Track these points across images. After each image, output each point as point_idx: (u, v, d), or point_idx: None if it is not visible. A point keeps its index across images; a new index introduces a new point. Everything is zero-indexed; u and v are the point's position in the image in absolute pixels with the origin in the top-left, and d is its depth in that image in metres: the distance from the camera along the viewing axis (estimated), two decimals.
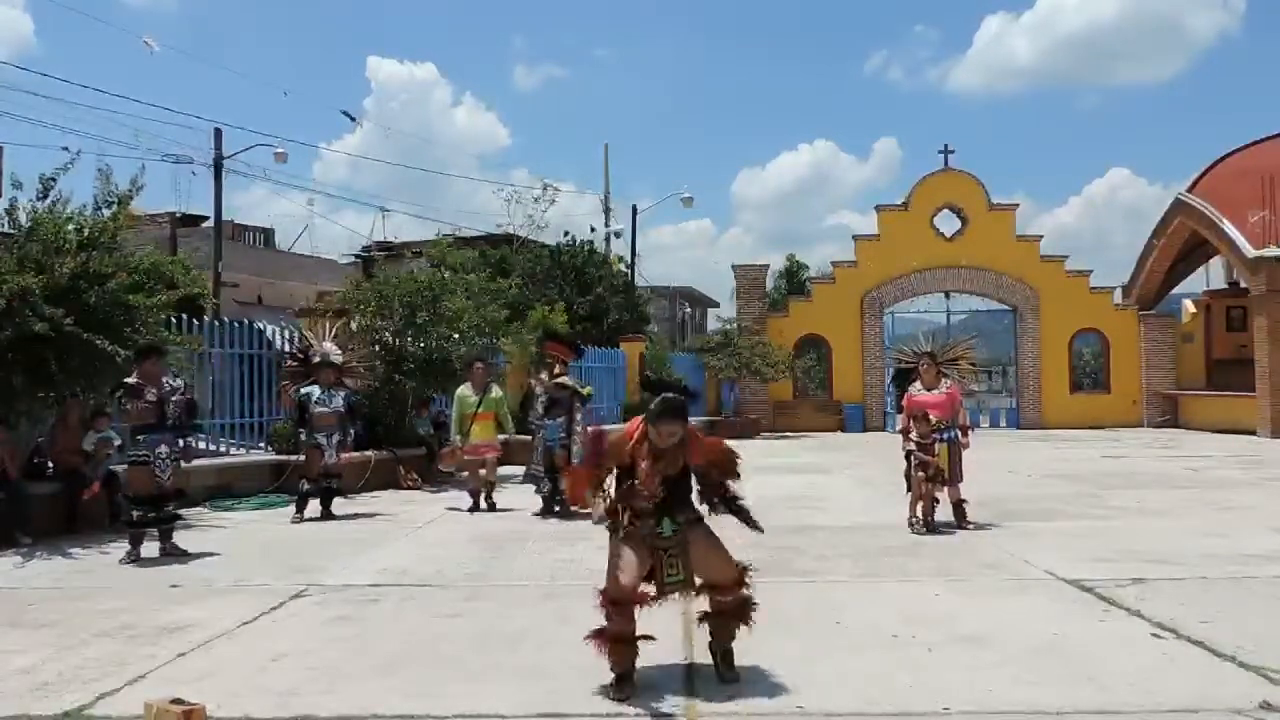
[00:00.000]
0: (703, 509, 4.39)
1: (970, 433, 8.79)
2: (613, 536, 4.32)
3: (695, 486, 4.39)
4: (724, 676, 4.23)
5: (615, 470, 4.33)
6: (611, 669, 4.11)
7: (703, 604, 4.38)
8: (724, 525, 4.47)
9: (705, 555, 4.27)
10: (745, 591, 4.33)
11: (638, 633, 4.14)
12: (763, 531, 4.54)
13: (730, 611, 4.29)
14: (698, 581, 4.30)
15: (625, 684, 4.06)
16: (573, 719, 3.85)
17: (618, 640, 4.09)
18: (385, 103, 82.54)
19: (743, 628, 4.32)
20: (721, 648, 4.31)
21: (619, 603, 4.10)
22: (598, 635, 4.14)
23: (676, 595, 4.31)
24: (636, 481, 4.20)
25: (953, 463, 8.44)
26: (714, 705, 3.96)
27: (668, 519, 4.23)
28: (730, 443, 4.58)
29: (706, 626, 4.36)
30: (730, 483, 4.42)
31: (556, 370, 9.78)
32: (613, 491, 4.36)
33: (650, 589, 4.23)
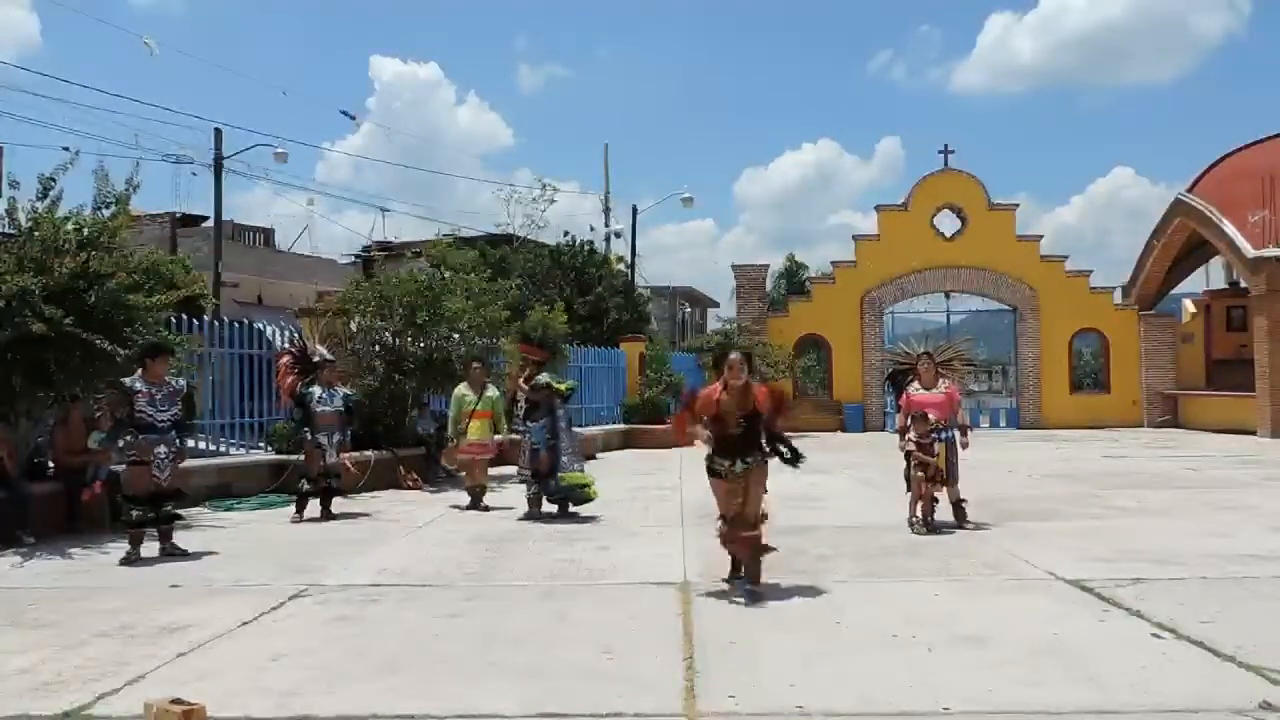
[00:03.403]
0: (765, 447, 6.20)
1: (969, 433, 8.76)
2: (710, 480, 6.22)
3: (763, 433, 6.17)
4: (750, 589, 5.93)
5: (705, 418, 6.12)
6: (732, 561, 6.23)
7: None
8: None
9: (749, 492, 6.08)
10: (760, 534, 6.04)
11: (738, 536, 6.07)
12: (803, 459, 6.26)
13: (753, 543, 6.02)
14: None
15: (736, 570, 6.16)
16: (572, 719, 3.85)
17: (727, 540, 6.14)
18: (389, 102, 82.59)
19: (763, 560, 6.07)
20: (748, 571, 6.06)
21: (726, 520, 6.12)
22: (722, 537, 6.18)
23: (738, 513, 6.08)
24: (727, 416, 6.02)
25: (949, 463, 8.43)
26: (714, 705, 3.97)
27: (739, 460, 6.06)
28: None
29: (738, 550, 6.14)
30: (781, 422, 6.29)
31: (528, 373, 9.76)
32: (704, 431, 6.16)
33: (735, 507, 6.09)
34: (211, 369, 12.33)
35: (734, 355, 6.20)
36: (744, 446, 6.09)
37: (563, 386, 9.74)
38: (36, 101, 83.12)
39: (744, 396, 6.08)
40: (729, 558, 6.26)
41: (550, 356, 10.32)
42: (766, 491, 6.23)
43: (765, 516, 6.19)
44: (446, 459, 11.39)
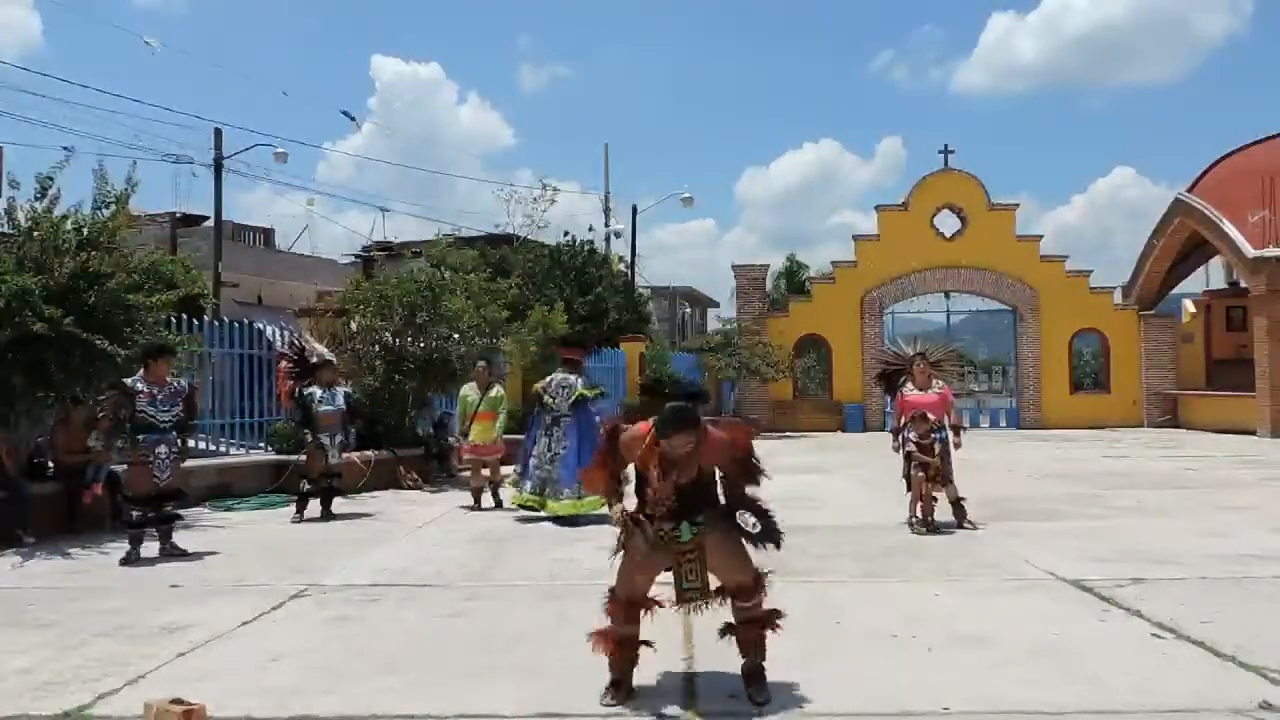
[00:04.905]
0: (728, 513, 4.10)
1: (961, 434, 8.72)
2: (627, 537, 4.09)
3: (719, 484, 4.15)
4: (753, 698, 3.94)
5: (632, 471, 4.10)
6: (610, 670, 4.05)
7: (726, 613, 4.16)
8: None
9: (720, 557, 4.03)
10: (764, 601, 4.11)
11: (641, 637, 4.11)
12: (779, 541, 4.07)
13: (751, 621, 4.07)
14: (714, 585, 4.10)
15: (620, 689, 3.99)
16: (571, 719, 3.85)
17: (621, 643, 4.03)
18: (390, 102, 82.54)
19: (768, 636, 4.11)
20: (750, 665, 4.07)
21: (629, 605, 4.07)
22: (602, 635, 4.09)
23: (694, 606, 4.05)
24: (649, 490, 3.98)
25: (943, 463, 8.43)
26: (713, 705, 3.97)
27: (686, 523, 3.97)
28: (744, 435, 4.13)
29: (734, 639, 4.13)
30: (749, 487, 4.07)
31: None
32: (630, 492, 4.16)
33: (663, 594, 4.14)
34: (212, 369, 12.33)
35: (679, 420, 3.81)
36: (691, 506, 3.99)
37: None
38: (37, 102, 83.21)
39: (690, 459, 3.92)
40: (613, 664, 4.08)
41: (583, 354, 10.02)
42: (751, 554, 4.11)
43: (765, 578, 4.13)
44: (456, 459, 11.52)
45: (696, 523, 3.98)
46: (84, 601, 5.97)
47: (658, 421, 3.88)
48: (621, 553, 4.15)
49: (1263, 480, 12.18)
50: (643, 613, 4.10)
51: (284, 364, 10.67)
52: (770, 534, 4.05)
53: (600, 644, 4.06)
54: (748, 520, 4.04)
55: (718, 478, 4.12)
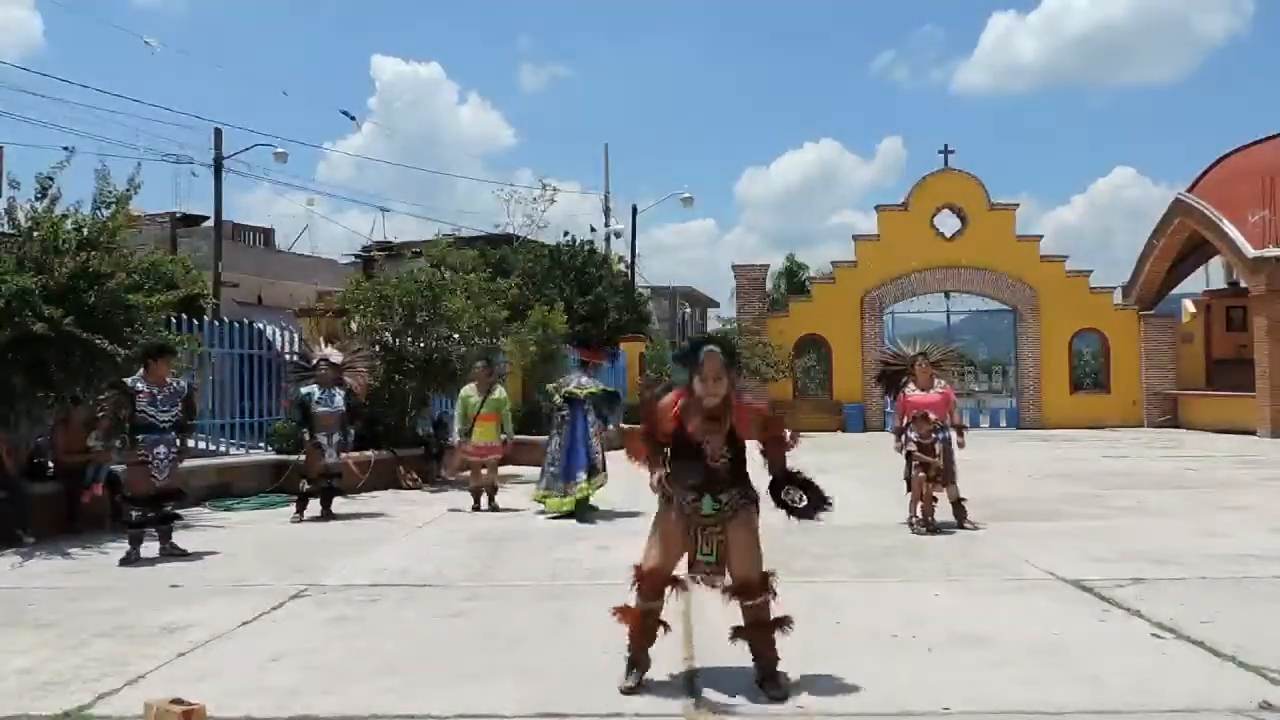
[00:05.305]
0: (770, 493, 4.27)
1: (964, 433, 8.72)
2: (658, 511, 4.29)
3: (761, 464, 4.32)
4: (771, 696, 4.00)
5: (670, 439, 4.22)
6: (629, 649, 4.21)
7: (735, 615, 4.26)
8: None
9: (735, 548, 4.14)
10: (771, 601, 4.18)
11: (662, 615, 4.25)
12: (828, 505, 4.31)
13: (760, 624, 4.16)
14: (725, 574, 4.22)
15: (636, 669, 4.17)
16: (571, 719, 3.85)
17: (644, 616, 4.21)
18: (390, 102, 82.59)
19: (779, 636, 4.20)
20: (764, 668, 4.14)
21: (653, 577, 4.21)
22: (624, 610, 4.28)
23: (704, 577, 4.21)
24: (705, 446, 4.10)
25: (946, 462, 8.43)
26: (713, 705, 3.96)
27: (709, 496, 4.11)
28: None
29: (745, 644, 4.22)
30: (782, 454, 4.31)
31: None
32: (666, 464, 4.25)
33: (682, 569, 4.28)
34: (212, 369, 12.34)
35: (710, 349, 4.10)
36: (718, 479, 4.13)
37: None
38: (37, 102, 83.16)
39: (722, 413, 4.12)
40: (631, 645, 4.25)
41: (592, 355, 10.09)
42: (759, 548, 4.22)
43: (772, 578, 4.22)
44: (448, 470, 11.56)
45: (719, 499, 4.13)
46: (84, 601, 5.97)
47: (694, 358, 4.10)
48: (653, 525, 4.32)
49: (1263, 480, 12.18)
50: (667, 589, 4.24)
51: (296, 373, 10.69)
52: (818, 504, 4.27)
53: (623, 618, 4.27)
54: (794, 495, 4.27)
55: (755, 450, 4.27)
